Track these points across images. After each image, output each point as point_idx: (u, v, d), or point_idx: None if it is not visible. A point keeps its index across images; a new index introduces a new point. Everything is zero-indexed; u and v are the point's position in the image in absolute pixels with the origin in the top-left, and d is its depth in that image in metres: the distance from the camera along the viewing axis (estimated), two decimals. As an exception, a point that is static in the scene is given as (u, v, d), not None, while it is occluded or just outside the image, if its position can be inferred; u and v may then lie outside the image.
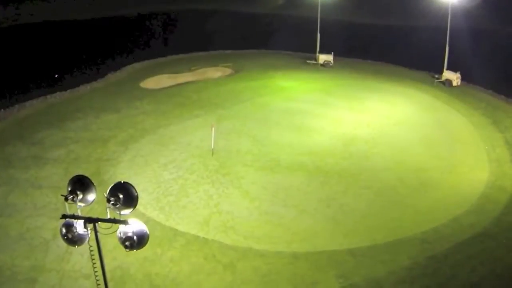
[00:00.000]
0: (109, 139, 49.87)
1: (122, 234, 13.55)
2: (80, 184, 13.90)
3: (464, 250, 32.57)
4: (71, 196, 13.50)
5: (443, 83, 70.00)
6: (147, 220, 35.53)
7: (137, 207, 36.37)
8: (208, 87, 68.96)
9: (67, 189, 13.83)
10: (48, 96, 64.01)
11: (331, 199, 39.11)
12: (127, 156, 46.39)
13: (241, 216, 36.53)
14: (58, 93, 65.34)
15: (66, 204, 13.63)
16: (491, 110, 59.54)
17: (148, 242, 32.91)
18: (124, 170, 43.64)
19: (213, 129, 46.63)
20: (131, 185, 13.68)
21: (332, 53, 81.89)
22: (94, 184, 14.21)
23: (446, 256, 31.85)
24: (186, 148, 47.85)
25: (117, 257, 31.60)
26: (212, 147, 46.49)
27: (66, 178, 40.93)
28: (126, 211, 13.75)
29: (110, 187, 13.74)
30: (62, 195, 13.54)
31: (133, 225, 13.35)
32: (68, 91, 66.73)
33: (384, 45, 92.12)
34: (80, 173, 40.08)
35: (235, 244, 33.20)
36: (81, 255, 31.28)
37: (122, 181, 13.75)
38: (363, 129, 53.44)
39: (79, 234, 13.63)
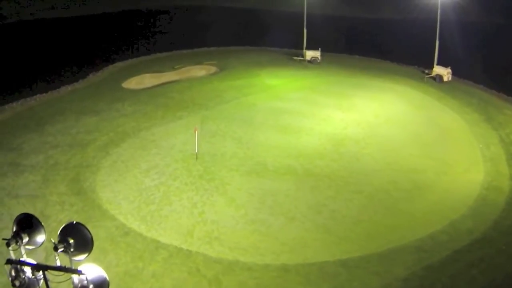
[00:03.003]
0: (88, 144, 47.88)
1: (78, 282, 11.44)
2: (26, 224, 11.85)
3: (463, 258, 31.09)
4: (15, 241, 11.45)
5: (434, 78, 68.50)
6: (128, 231, 33.89)
7: (117, 217, 34.72)
8: (192, 86, 66.92)
9: (12, 229, 11.79)
10: (28, 99, 61.85)
11: (321, 205, 37.38)
12: (107, 161, 44.45)
13: (226, 226, 34.74)
14: (38, 95, 63.13)
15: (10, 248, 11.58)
16: (484, 106, 58.13)
17: (130, 255, 31.48)
18: (104, 176, 41.74)
19: (196, 132, 44.70)
20: (84, 226, 11.60)
21: (320, 49, 80.00)
22: (42, 223, 12.12)
23: (444, 265, 30.33)
24: (169, 152, 45.97)
25: (96, 272, 29.80)
26: (196, 151, 44.56)
27: (44, 186, 39.82)
28: (80, 257, 11.67)
29: (60, 230, 11.68)
30: (4, 239, 11.49)
31: (89, 274, 11.24)
32: (49, 93, 64.56)
33: (373, 40, 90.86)
34: (59, 180, 38.51)
35: (220, 257, 31.48)
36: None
37: (74, 222, 11.69)
38: (352, 128, 51.69)
39: (29, 280, 11.56)
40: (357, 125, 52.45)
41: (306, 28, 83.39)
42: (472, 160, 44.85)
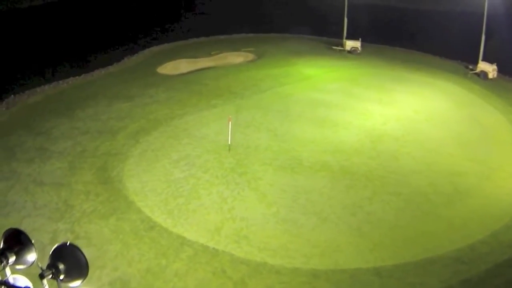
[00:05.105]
0: (119, 131, 46.95)
1: None
2: (14, 241, 10.38)
3: (504, 274, 29.18)
4: None
5: (478, 75, 65.90)
6: (153, 226, 32.85)
7: (143, 210, 33.60)
8: (228, 73, 65.59)
9: None
10: (60, 82, 61.33)
11: (357, 206, 35.69)
12: (137, 150, 43.43)
13: (256, 224, 33.35)
14: (71, 78, 62.53)
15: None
16: (530, 107, 55.50)
17: (153, 251, 30.38)
18: (132, 166, 40.73)
19: (230, 122, 43.34)
20: (78, 248, 10.03)
21: (360, 39, 78.08)
22: (32, 241, 10.64)
23: (484, 281, 28.44)
24: (201, 143, 44.72)
25: (118, 267, 29.02)
26: (229, 142, 43.24)
27: (70, 173, 38.98)
28: (73, 284, 10.14)
29: (51, 251, 10.20)
30: None
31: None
32: (82, 76, 63.91)
33: (415, 32, 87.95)
34: (85, 168, 37.58)
35: (247, 258, 30.14)
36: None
37: (68, 243, 10.15)
38: (392, 124, 49.74)
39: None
40: (396, 121, 50.45)
41: (347, 17, 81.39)
42: (517, 165, 42.60)
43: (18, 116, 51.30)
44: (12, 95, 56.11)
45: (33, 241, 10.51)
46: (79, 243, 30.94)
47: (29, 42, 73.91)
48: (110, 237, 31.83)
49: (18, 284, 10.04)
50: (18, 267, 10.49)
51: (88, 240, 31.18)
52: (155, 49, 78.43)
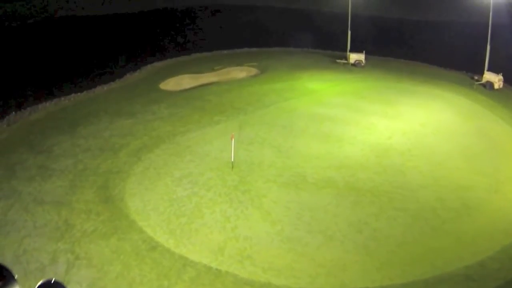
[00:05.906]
0: (121, 148, 46.47)
1: None
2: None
3: (515, 291, 28.37)
4: None
5: (484, 85, 65.27)
6: (155, 246, 32.20)
7: (144, 230, 32.90)
8: (231, 89, 65.14)
9: None
10: (62, 98, 60.87)
11: (362, 223, 34.92)
12: (139, 168, 42.86)
13: (260, 243, 32.65)
14: (73, 94, 62.09)
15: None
16: (538, 117, 54.66)
17: (155, 272, 29.68)
18: (134, 184, 40.16)
19: (232, 140, 42.65)
20: (63, 286, 9.42)
21: (364, 51, 77.53)
22: (15, 276, 10.04)
23: (495, 299, 27.67)
24: (204, 160, 44.07)
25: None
26: (232, 159, 42.51)
27: (71, 192, 38.48)
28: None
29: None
30: None
31: None
32: (84, 92, 63.45)
33: (420, 43, 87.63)
34: (86, 186, 36.92)
35: (251, 278, 29.49)
36: (79, 284, 27.86)
37: (52, 280, 9.52)
38: (397, 138, 48.98)
39: None
40: (402, 135, 49.71)
41: (351, 30, 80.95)
42: (526, 177, 41.75)
43: (19, 134, 50.98)
44: (13, 112, 55.74)
45: (16, 277, 9.87)
46: (79, 263, 30.35)
47: (30, 58, 73.81)
48: (111, 257, 31.18)
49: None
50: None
51: (88, 261, 30.52)
52: (157, 64, 78.17)
